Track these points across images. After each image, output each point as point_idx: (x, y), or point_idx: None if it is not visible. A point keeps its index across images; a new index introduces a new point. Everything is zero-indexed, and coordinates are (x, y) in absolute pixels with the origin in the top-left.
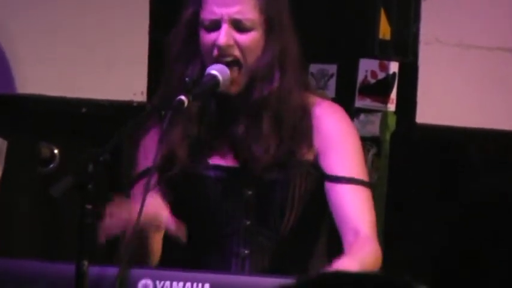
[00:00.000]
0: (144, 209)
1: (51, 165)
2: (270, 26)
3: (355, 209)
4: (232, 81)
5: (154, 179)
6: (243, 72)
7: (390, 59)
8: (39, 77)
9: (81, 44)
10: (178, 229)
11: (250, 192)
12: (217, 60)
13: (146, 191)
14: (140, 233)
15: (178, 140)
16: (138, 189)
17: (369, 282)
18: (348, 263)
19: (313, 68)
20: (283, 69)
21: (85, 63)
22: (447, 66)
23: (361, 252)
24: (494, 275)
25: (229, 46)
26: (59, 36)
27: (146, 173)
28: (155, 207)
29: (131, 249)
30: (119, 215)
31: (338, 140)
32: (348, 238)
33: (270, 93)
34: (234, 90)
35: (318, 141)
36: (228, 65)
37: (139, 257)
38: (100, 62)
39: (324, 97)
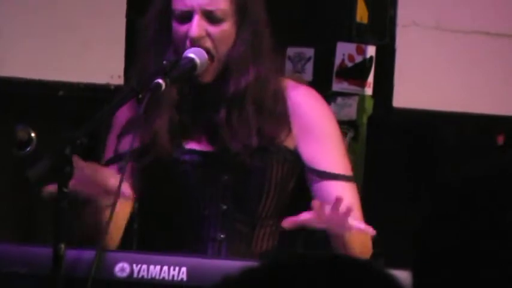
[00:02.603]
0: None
1: (28, 149)
2: (242, 15)
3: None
4: (204, 71)
5: (128, 163)
6: (214, 63)
7: (367, 43)
8: (15, 59)
9: (57, 26)
10: (125, 189)
11: (226, 177)
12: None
13: (122, 175)
14: (94, 206)
15: (156, 124)
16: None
17: (338, 265)
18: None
19: (291, 51)
20: (257, 58)
21: (62, 46)
22: (424, 50)
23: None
24: (467, 256)
25: (201, 38)
26: (35, 18)
27: (118, 158)
28: (105, 172)
29: (106, 229)
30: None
31: (319, 129)
32: None
33: (247, 82)
34: (206, 79)
35: (296, 126)
36: None
37: (94, 233)
38: (77, 45)
39: (301, 81)
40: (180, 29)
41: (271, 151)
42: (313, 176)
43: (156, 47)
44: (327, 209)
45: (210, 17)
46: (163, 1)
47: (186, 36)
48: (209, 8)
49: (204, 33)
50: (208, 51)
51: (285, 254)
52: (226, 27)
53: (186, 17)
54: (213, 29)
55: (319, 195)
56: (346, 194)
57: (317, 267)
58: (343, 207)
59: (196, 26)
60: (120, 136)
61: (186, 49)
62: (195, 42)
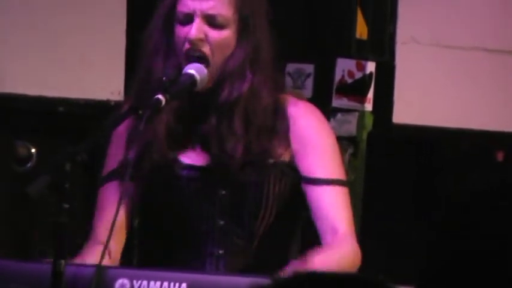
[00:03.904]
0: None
1: (28, 165)
2: (244, 25)
3: (332, 208)
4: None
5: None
6: (209, 69)
7: (367, 59)
8: (15, 76)
9: (58, 42)
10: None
11: (223, 192)
12: (187, 55)
13: (123, 190)
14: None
15: (152, 137)
16: (107, 189)
17: (343, 283)
18: (324, 258)
19: (290, 67)
20: (254, 69)
21: (62, 62)
22: (423, 66)
23: (339, 250)
24: (469, 271)
25: (199, 40)
26: (35, 34)
27: (115, 173)
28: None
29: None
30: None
31: (314, 140)
32: (326, 237)
33: (240, 93)
34: (200, 86)
35: (294, 141)
36: (196, 61)
37: None
38: (77, 61)
39: (300, 97)
40: (181, 31)
41: (268, 166)
42: (308, 184)
43: (161, 51)
44: None
45: (211, 22)
46: (168, 6)
47: (185, 38)
48: (211, 12)
49: (202, 36)
50: (204, 56)
51: (294, 273)
52: (227, 34)
53: (188, 19)
54: (213, 34)
55: (310, 201)
56: (334, 196)
57: (326, 286)
58: None
59: (196, 29)
60: (118, 153)
61: (184, 51)
62: (193, 45)
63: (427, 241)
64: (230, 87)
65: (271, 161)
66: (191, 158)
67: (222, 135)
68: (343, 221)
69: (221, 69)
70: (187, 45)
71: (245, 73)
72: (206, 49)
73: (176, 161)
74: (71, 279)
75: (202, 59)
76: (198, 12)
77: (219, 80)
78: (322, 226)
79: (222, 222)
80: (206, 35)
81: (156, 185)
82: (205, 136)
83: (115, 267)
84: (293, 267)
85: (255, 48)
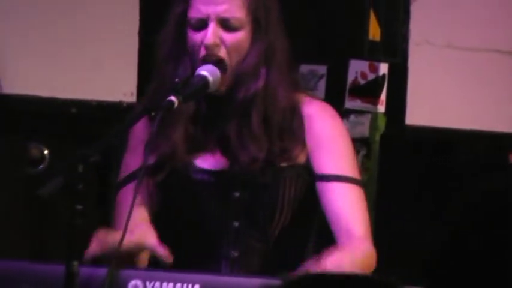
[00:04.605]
0: (131, 234)
1: (41, 166)
2: (257, 25)
3: (347, 208)
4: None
5: (144, 181)
6: (228, 72)
7: (380, 60)
8: (28, 77)
9: (70, 44)
10: (164, 253)
11: (238, 194)
12: (203, 60)
13: (135, 196)
14: (125, 255)
15: (173, 137)
16: (125, 192)
17: (353, 282)
18: (337, 260)
19: (303, 68)
20: (269, 68)
21: (75, 64)
22: (436, 68)
23: (353, 253)
24: (482, 273)
25: (216, 45)
26: (48, 36)
27: (133, 176)
28: (142, 231)
29: (120, 253)
30: (103, 240)
31: (329, 140)
32: (341, 240)
33: (256, 92)
34: (221, 89)
35: (309, 140)
36: (214, 65)
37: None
38: (90, 63)
39: (315, 96)
40: (195, 36)
41: (283, 168)
42: (320, 181)
43: (174, 58)
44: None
45: (226, 25)
46: (180, 10)
47: (201, 43)
48: (225, 15)
49: (218, 41)
50: (221, 61)
51: (303, 274)
52: (241, 36)
53: (202, 24)
54: (228, 37)
55: (324, 199)
56: (349, 195)
57: (335, 286)
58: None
59: (212, 34)
60: (135, 156)
61: (201, 57)
62: (210, 50)
63: (439, 242)
64: (245, 87)
65: (287, 163)
66: (208, 161)
67: (243, 137)
68: (358, 224)
69: (236, 70)
70: (203, 51)
71: (259, 72)
72: (222, 53)
73: (191, 165)
74: (83, 280)
75: (219, 64)
76: (212, 17)
77: (234, 82)
78: (337, 228)
79: (236, 224)
80: (221, 39)
81: (172, 188)
82: (225, 139)
83: (128, 269)
84: (306, 268)
85: (268, 47)
